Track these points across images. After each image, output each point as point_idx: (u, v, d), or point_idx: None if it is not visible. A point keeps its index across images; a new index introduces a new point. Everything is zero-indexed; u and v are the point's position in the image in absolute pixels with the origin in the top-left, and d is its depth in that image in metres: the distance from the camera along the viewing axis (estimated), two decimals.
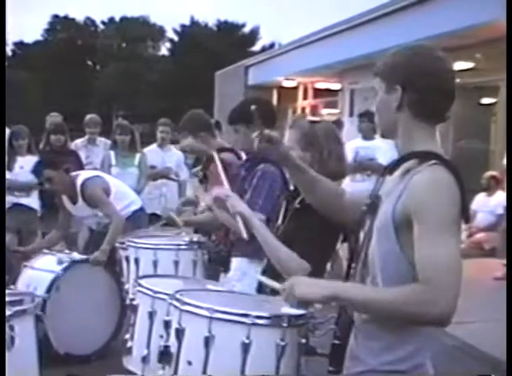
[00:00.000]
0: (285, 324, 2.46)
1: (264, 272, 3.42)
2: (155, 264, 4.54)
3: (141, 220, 6.39)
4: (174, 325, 2.58)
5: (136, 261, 4.62)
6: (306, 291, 2.29)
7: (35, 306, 3.77)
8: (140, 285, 3.46)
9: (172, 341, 2.59)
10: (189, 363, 2.52)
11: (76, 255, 5.94)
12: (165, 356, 2.61)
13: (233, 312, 2.48)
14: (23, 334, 3.55)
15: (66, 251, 6.14)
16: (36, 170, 6.27)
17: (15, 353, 3.45)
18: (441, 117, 2.38)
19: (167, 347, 2.61)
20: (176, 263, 4.55)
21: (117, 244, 5.09)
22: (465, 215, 2.23)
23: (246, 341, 2.43)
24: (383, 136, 2.52)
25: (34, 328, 3.76)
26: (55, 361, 5.35)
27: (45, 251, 6.08)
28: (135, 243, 4.72)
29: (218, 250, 4.54)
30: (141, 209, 6.56)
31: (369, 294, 2.26)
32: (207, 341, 2.45)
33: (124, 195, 6.47)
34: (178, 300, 2.60)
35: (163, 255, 4.58)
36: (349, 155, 7.83)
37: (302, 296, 2.31)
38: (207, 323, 2.46)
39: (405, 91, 2.31)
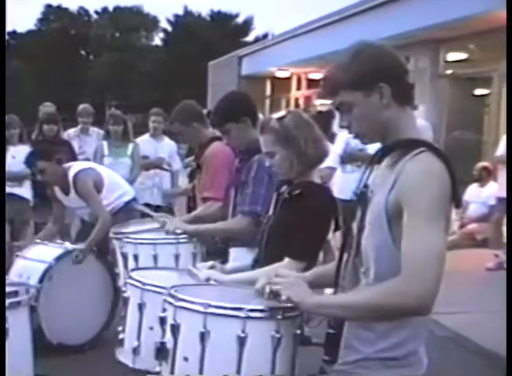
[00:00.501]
0: (279, 316, 2.46)
1: (256, 262, 3.44)
2: (155, 258, 4.51)
3: (134, 210, 6.37)
4: (170, 321, 2.57)
5: (135, 257, 4.57)
6: (297, 295, 2.35)
7: (30, 298, 3.76)
8: (130, 277, 3.47)
9: (168, 338, 2.57)
10: (186, 359, 2.51)
11: (68, 245, 5.93)
12: (162, 352, 2.59)
13: (227, 307, 2.47)
14: (16, 326, 3.55)
15: (59, 241, 6.13)
16: (28, 161, 6.24)
17: (8, 345, 3.45)
18: (414, 96, 2.37)
19: (163, 343, 2.59)
20: (177, 257, 4.52)
21: (111, 234, 5.07)
22: (456, 199, 2.22)
23: (242, 335, 2.43)
24: (367, 143, 2.45)
25: (28, 319, 3.75)
26: (47, 351, 5.35)
27: (37, 241, 6.08)
28: (134, 239, 4.67)
29: (214, 241, 4.54)
30: (134, 199, 6.54)
31: (349, 295, 2.30)
32: (203, 337, 2.44)
33: (116, 186, 6.45)
34: (172, 296, 2.59)
35: (163, 249, 4.56)
36: (340, 146, 7.82)
37: (293, 299, 2.35)
38: (202, 319, 2.45)
39: (389, 84, 2.27)
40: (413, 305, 2.10)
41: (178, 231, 4.53)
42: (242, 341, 2.44)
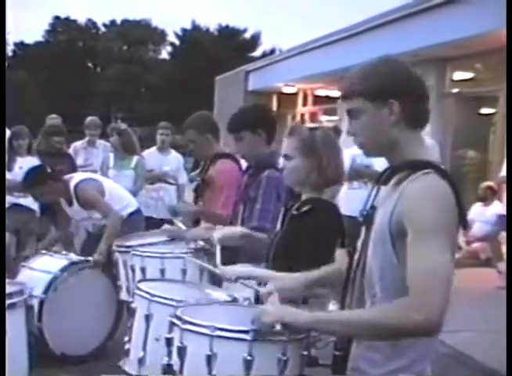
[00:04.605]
0: (286, 338, 2.43)
1: None
2: (162, 272, 4.51)
3: (137, 222, 6.38)
4: (176, 343, 2.55)
5: (143, 270, 4.57)
6: (288, 313, 2.33)
7: (25, 299, 3.67)
8: (138, 288, 3.47)
9: (175, 360, 2.56)
10: None
11: (73, 256, 5.95)
12: (168, 374, 2.59)
13: (234, 330, 2.45)
14: (13, 327, 3.49)
15: (64, 252, 6.15)
16: (25, 189, 6.26)
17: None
18: (427, 121, 2.37)
19: (169, 366, 2.59)
20: (184, 271, 4.51)
21: (114, 247, 5.08)
22: (463, 221, 2.22)
23: (249, 358, 2.41)
24: (369, 156, 2.42)
25: (23, 321, 3.66)
26: (50, 361, 5.36)
27: (43, 251, 6.10)
28: (141, 252, 4.69)
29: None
30: (137, 211, 6.55)
31: (353, 312, 2.26)
32: (209, 359, 2.43)
33: (119, 197, 6.43)
34: (179, 318, 2.57)
35: (170, 264, 4.56)
36: (346, 162, 7.84)
37: (283, 317, 2.33)
38: (209, 341, 2.43)
39: (400, 102, 2.28)
40: (421, 326, 2.08)
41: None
42: (248, 364, 2.41)
